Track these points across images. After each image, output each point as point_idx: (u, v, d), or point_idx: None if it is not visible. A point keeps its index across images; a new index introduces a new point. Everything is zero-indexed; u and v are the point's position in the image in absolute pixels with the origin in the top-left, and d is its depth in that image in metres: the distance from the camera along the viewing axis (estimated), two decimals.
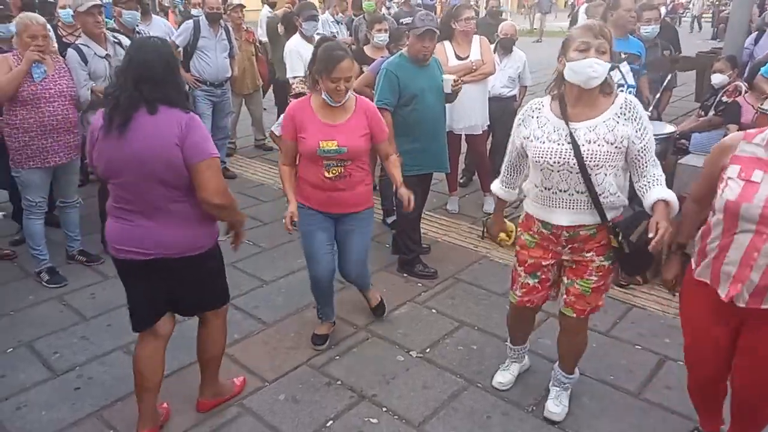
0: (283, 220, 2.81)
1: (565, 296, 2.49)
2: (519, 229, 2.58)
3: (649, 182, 2.26)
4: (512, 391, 2.85)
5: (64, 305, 3.57)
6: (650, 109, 4.32)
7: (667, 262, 2.34)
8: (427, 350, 3.17)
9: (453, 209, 5.06)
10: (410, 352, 3.15)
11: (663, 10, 13.02)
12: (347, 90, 2.76)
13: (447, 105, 3.90)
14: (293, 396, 2.81)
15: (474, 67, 4.50)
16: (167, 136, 2.13)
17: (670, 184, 2.34)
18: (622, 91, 4.18)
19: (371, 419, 2.67)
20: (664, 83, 4.79)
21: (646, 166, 2.26)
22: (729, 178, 2.03)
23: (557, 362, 2.72)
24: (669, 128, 4.57)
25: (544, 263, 2.48)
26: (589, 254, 2.38)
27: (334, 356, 3.12)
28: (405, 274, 3.96)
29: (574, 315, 2.47)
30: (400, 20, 4.91)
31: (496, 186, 2.67)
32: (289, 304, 3.61)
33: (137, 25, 4.64)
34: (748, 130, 2.07)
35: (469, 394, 2.84)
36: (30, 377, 2.92)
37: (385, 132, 2.99)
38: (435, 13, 8.41)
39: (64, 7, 4.69)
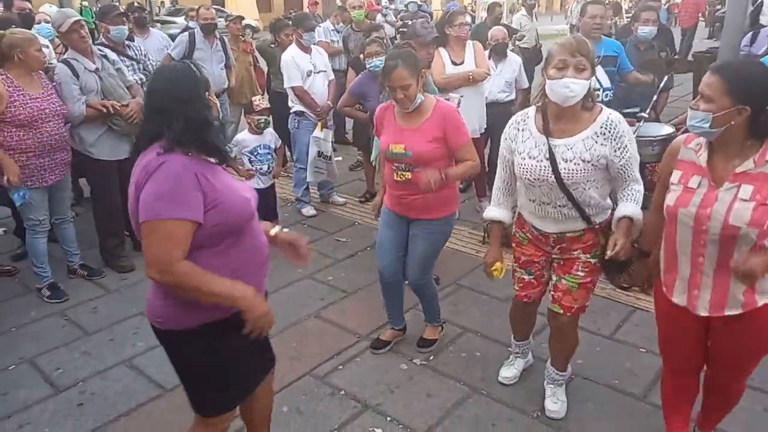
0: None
1: (552, 292, 2.54)
2: (514, 227, 2.64)
3: (624, 197, 2.32)
4: (516, 397, 2.84)
5: (66, 320, 3.56)
6: (648, 110, 4.31)
7: (636, 269, 2.36)
8: (431, 358, 3.16)
9: None
10: (413, 360, 3.14)
11: (663, 12, 13.03)
12: (408, 98, 2.70)
13: None
14: (297, 407, 2.80)
15: (471, 78, 4.45)
16: (135, 183, 1.78)
17: None
18: (598, 95, 4.20)
19: (376, 429, 2.66)
20: (661, 85, 4.79)
21: (627, 182, 2.30)
22: (672, 183, 2.03)
23: (548, 360, 2.77)
24: (668, 129, 4.57)
25: (535, 260, 2.57)
26: (576, 252, 2.45)
27: (336, 366, 3.11)
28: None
29: (561, 311, 2.50)
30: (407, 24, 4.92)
31: (491, 210, 2.60)
32: (290, 314, 3.60)
33: (125, 40, 4.57)
34: (688, 134, 2.05)
35: (473, 401, 2.83)
36: (32, 394, 2.91)
37: (463, 138, 2.80)
38: (432, 19, 8.46)
39: (39, 23, 4.66)
